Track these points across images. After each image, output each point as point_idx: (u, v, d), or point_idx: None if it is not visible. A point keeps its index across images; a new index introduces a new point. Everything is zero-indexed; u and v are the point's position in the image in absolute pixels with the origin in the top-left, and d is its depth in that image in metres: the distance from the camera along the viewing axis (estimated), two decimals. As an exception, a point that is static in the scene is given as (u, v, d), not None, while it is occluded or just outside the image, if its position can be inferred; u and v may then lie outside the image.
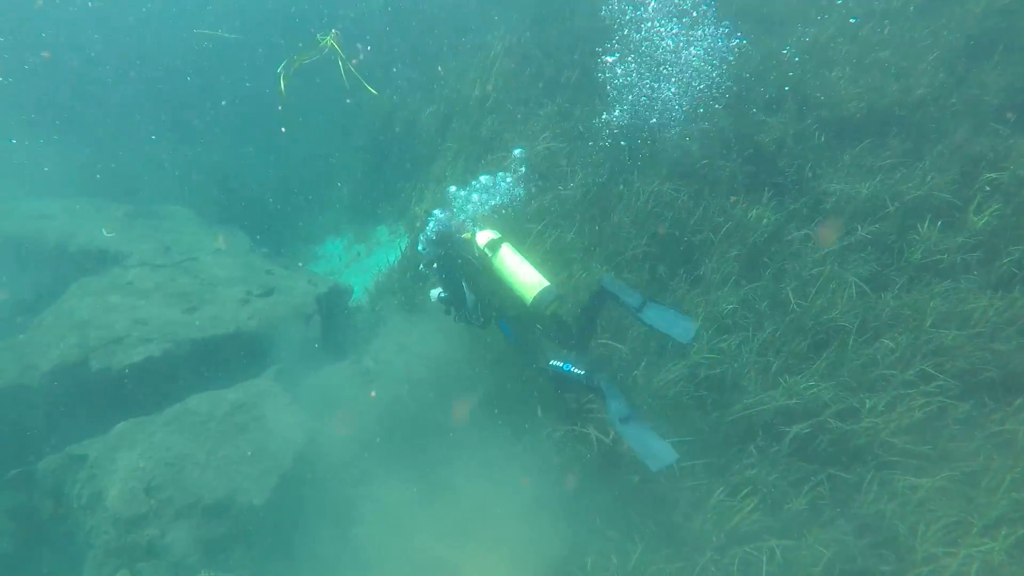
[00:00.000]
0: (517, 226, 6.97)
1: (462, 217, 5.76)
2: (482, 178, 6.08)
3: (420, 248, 5.61)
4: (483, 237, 5.25)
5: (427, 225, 5.45)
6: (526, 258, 5.16)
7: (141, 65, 12.22)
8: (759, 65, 8.01)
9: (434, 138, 9.38)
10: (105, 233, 8.60)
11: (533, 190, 7.33)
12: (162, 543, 5.24)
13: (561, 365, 4.89)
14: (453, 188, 6.11)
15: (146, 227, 9.27)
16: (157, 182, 10.90)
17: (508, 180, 6.18)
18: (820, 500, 4.95)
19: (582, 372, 4.80)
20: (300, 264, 9.70)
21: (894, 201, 6.49)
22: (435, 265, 5.44)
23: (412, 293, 7.42)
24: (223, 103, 12.09)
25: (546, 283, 4.95)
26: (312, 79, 9.93)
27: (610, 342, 6.12)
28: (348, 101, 6.17)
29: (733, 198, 6.88)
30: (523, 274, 4.98)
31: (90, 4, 11.84)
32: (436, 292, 5.71)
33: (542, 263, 5.45)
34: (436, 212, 5.47)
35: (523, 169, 6.36)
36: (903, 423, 5.17)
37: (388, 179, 9.92)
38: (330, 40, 5.71)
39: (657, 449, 4.41)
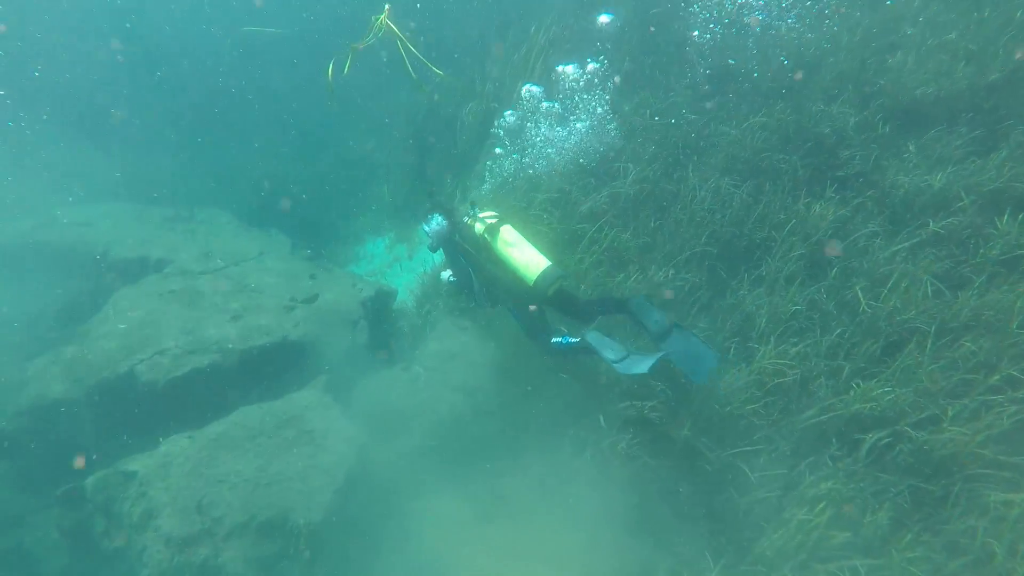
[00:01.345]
0: (569, 227, 6.74)
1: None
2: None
3: (424, 227, 5.73)
4: (483, 219, 5.32)
5: (430, 214, 5.62)
6: (528, 239, 5.19)
7: (176, 65, 12.15)
8: (815, 51, 7.64)
9: (477, 135, 9.14)
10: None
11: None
12: (216, 563, 5.11)
13: (561, 340, 5.06)
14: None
15: (185, 232, 9.20)
16: (195, 184, 10.83)
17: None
18: (903, 515, 4.66)
19: (576, 340, 4.99)
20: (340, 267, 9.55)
21: (969, 193, 6.12)
22: (440, 248, 5.63)
23: (460, 297, 7.21)
24: (251, 98, 11.98)
25: (547, 263, 5.00)
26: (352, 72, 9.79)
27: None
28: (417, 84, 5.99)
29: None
30: (524, 255, 5.05)
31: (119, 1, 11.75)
32: (446, 275, 5.82)
33: (546, 245, 5.52)
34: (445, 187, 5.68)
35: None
36: (991, 432, 4.84)
37: (430, 175, 9.70)
38: (383, 18, 5.41)
39: (701, 355, 4.81)
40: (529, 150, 7.58)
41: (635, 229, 6.64)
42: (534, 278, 4.95)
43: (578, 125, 7.31)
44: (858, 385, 5.18)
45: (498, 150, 7.94)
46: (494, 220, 5.27)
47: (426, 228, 5.67)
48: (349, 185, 10.89)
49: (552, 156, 7.40)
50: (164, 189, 10.84)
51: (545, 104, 7.52)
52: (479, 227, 5.28)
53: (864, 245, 6.16)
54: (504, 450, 5.94)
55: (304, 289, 7.50)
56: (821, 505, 4.72)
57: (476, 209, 5.45)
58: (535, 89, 7.61)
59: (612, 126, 7.30)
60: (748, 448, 5.22)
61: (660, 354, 4.79)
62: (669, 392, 5.67)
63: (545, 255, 5.12)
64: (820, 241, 6.25)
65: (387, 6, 5.47)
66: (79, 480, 6.11)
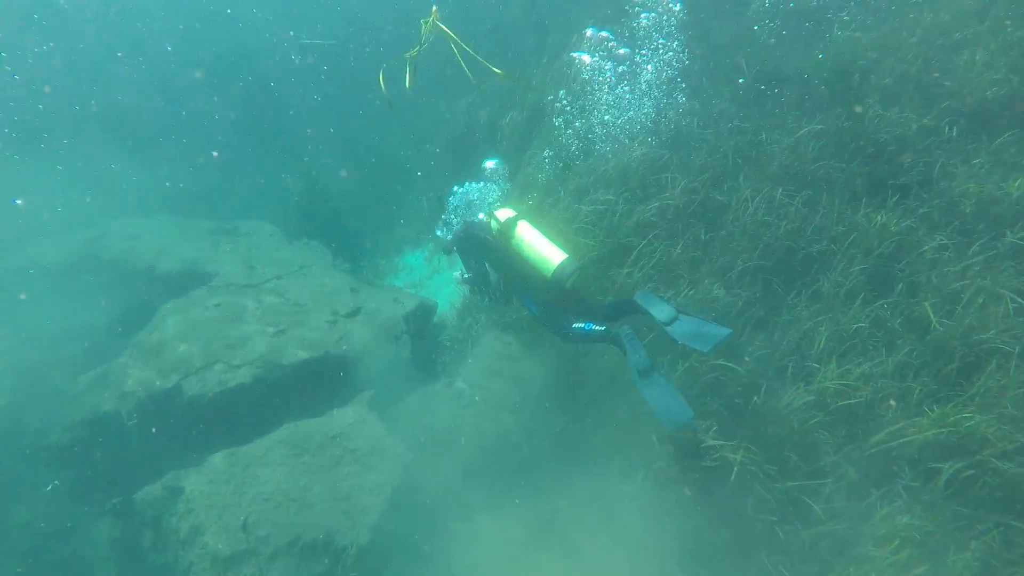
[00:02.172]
0: (616, 240, 6.55)
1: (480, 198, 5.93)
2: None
3: (438, 232, 5.79)
4: (500, 216, 5.32)
5: (447, 206, 5.73)
6: (544, 233, 5.20)
7: (218, 79, 12.34)
8: (870, 52, 7.30)
9: (516, 146, 9.01)
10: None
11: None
12: (262, 583, 5.07)
13: (583, 326, 4.92)
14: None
15: (229, 244, 9.29)
16: (238, 197, 10.97)
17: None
18: (992, 555, 4.32)
19: (603, 327, 4.83)
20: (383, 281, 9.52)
21: (1049, 202, 5.73)
22: (455, 247, 5.63)
23: (506, 310, 7.07)
24: (292, 112, 12.09)
25: (564, 255, 5.00)
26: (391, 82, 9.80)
27: (724, 363, 5.64)
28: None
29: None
30: (542, 249, 5.06)
31: (181, 27, 11.98)
32: (459, 274, 5.78)
33: (564, 240, 5.46)
34: (456, 188, 5.77)
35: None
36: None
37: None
38: (432, 21, 5.29)
39: (674, 406, 4.33)
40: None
41: (685, 242, 6.40)
42: (552, 270, 4.96)
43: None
44: (932, 409, 4.85)
45: (548, 152, 7.82)
46: (512, 214, 5.29)
47: (438, 232, 5.79)
48: (388, 196, 10.87)
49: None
50: (209, 202, 11.00)
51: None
52: (495, 223, 5.32)
53: (932, 258, 5.81)
54: (552, 471, 5.78)
55: (346, 303, 7.47)
56: (896, 542, 4.42)
57: (491, 207, 5.50)
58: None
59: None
60: (813, 474, 4.94)
61: (689, 412, 4.40)
62: (724, 412, 5.43)
63: (562, 248, 5.12)
64: (883, 254, 5.93)
65: (434, 8, 5.35)
66: (129, 494, 6.17)
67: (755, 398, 5.42)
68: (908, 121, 6.64)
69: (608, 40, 7.65)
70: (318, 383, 6.61)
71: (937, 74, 6.85)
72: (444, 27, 5.33)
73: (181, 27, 12.14)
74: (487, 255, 5.41)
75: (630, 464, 5.50)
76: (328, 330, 6.94)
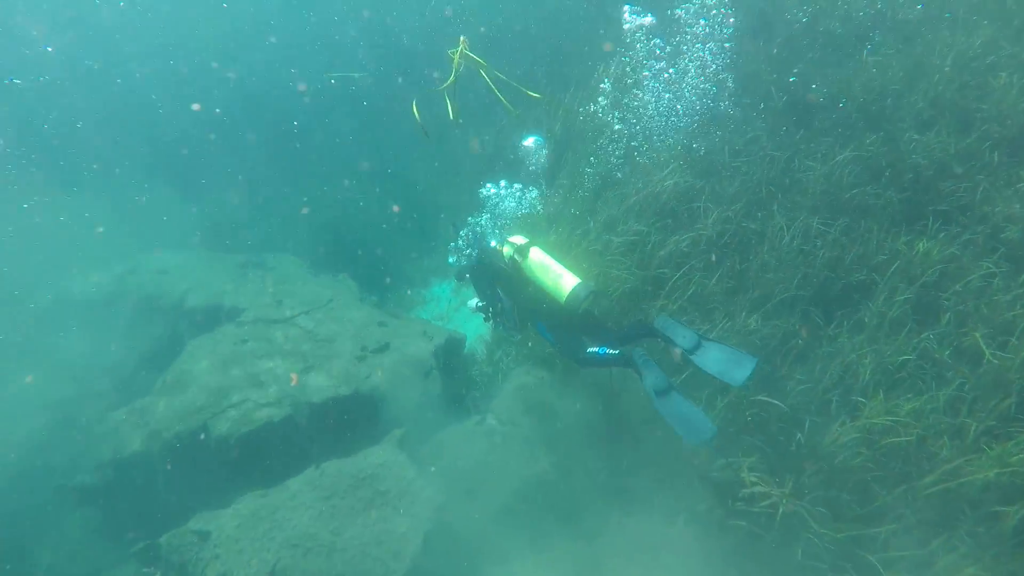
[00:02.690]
0: (648, 272, 6.42)
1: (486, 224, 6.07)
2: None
3: (451, 260, 5.82)
4: (513, 242, 5.32)
5: (458, 237, 5.78)
6: (557, 259, 5.20)
7: (245, 112, 12.45)
8: (903, 77, 7.17)
9: (546, 173, 8.93)
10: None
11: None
12: (292, 634, 4.91)
13: (597, 350, 4.87)
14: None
15: (257, 278, 9.28)
16: (265, 229, 10.99)
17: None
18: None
19: (617, 351, 4.77)
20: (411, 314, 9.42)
21: (1100, 227, 5.53)
22: (467, 275, 5.63)
23: (536, 344, 6.93)
24: (320, 143, 12.11)
25: (577, 280, 4.98)
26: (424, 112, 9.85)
27: (767, 399, 5.44)
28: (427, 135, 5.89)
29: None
30: (555, 274, 5.04)
31: (214, 65, 12.14)
32: (474, 302, 5.77)
33: (583, 267, 5.61)
34: (470, 220, 5.85)
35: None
36: None
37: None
38: (461, 51, 5.26)
39: (696, 422, 4.25)
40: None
41: (720, 273, 6.25)
42: (566, 295, 4.94)
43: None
44: (990, 447, 4.62)
45: (592, 159, 7.75)
46: (524, 241, 5.28)
47: (451, 260, 5.85)
48: (415, 227, 10.83)
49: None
50: (236, 235, 11.04)
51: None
52: (508, 250, 5.30)
53: (980, 286, 5.61)
54: (591, 511, 5.59)
55: (374, 337, 7.37)
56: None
57: (504, 234, 5.54)
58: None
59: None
60: (865, 517, 4.71)
61: (712, 428, 4.31)
62: (767, 449, 5.23)
63: (575, 273, 5.10)
64: (927, 283, 5.73)
65: (462, 38, 5.32)
66: (155, 536, 6.05)
67: (798, 435, 5.21)
68: (946, 145, 6.49)
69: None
70: (347, 421, 6.50)
71: (973, 98, 6.71)
72: (474, 56, 5.30)
73: (215, 65, 12.29)
74: (500, 282, 5.40)
75: (672, 505, 5.30)
76: (357, 366, 6.84)
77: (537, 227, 8.50)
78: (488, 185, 6.93)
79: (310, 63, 11.98)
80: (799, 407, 5.43)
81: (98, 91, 12.21)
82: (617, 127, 7.87)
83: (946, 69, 7.00)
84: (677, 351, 4.61)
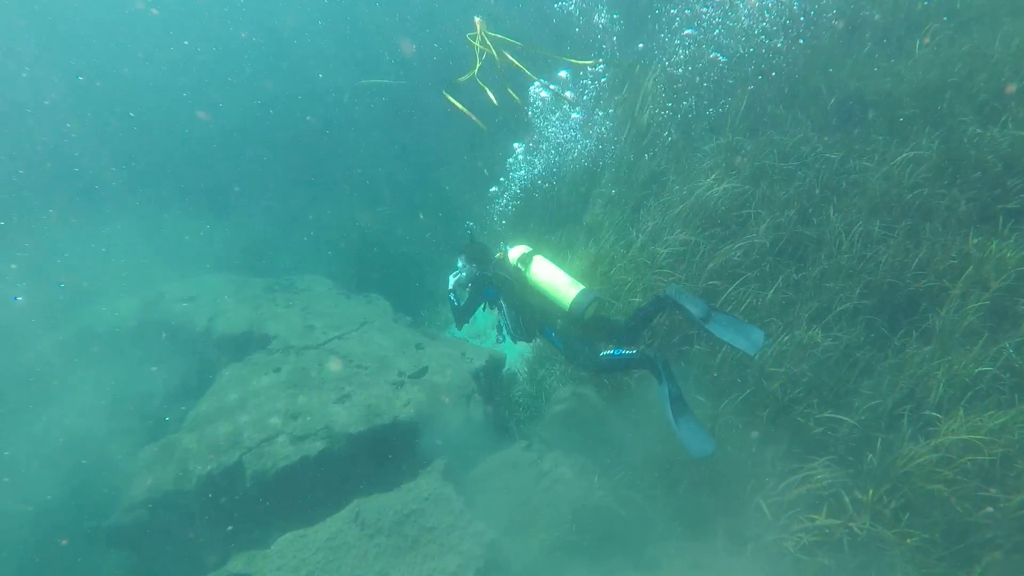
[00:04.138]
0: (698, 285, 6.08)
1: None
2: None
3: (451, 285, 5.77)
4: (515, 253, 5.30)
5: (457, 265, 5.75)
6: (560, 267, 5.19)
7: (269, 128, 12.30)
8: (961, 68, 6.77)
9: (581, 184, 8.62)
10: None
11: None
12: None
13: (612, 352, 4.78)
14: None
15: (286, 302, 9.07)
16: (293, 250, 10.81)
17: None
18: None
19: (633, 351, 4.66)
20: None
21: None
22: (471, 286, 5.61)
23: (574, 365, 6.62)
24: (347, 158, 11.91)
25: (581, 287, 4.98)
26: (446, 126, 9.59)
27: (834, 415, 5.08)
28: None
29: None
30: (558, 282, 5.04)
31: (230, 79, 12.01)
32: (453, 280, 5.75)
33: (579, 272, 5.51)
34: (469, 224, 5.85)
35: None
36: None
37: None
38: (480, 34, 4.95)
39: (700, 437, 4.24)
40: None
41: (776, 284, 5.90)
42: (569, 303, 4.94)
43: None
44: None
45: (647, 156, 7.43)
46: (527, 250, 5.28)
47: (452, 277, 5.77)
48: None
49: None
50: (263, 257, 10.87)
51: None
52: (511, 259, 5.29)
53: (1063, 291, 5.20)
54: (650, 540, 5.24)
55: (411, 361, 7.09)
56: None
57: (507, 245, 5.46)
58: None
59: None
60: (953, 542, 4.33)
61: (712, 444, 4.27)
62: (838, 470, 4.85)
63: (578, 280, 5.09)
64: (1003, 288, 5.33)
65: (477, 19, 5.04)
66: (192, 581, 5.84)
67: (869, 456, 4.84)
68: (1013, 139, 6.07)
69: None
70: (387, 452, 6.22)
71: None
72: (487, 41, 5.01)
73: (231, 79, 12.18)
74: (504, 293, 5.36)
75: (737, 533, 4.94)
76: (394, 393, 6.57)
77: (575, 238, 8.22)
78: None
79: (339, 74, 11.77)
80: (868, 424, 5.07)
81: (120, 112, 12.15)
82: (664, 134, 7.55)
83: (1009, 52, 6.59)
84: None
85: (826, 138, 6.80)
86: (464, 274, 5.70)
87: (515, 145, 8.47)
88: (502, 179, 9.06)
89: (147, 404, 8.37)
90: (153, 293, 9.61)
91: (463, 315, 5.72)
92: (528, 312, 5.27)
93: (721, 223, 6.58)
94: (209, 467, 6.20)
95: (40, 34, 11.99)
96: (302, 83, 12.03)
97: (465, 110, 5.17)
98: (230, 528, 6.14)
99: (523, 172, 8.55)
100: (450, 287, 5.76)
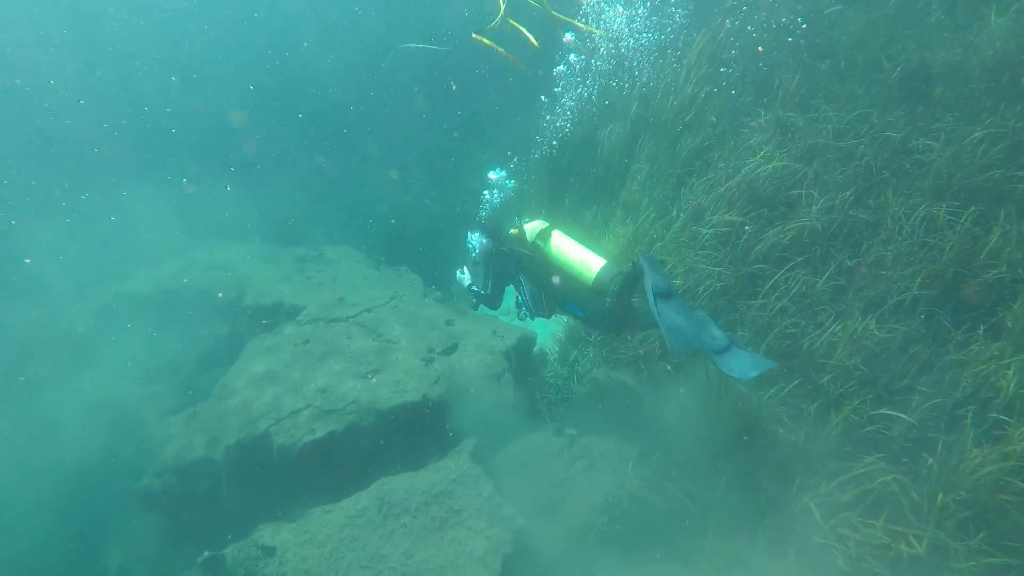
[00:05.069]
0: (743, 269, 5.78)
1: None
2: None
3: (466, 280, 5.66)
4: (531, 227, 5.18)
5: (470, 242, 5.56)
6: (579, 241, 5.07)
7: (304, 100, 12.10)
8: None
9: (619, 159, 8.28)
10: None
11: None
12: (362, 665, 4.56)
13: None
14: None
15: (316, 273, 8.98)
16: (324, 221, 10.68)
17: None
18: None
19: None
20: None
21: None
22: (485, 263, 5.47)
23: (615, 345, 6.38)
24: (379, 129, 11.68)
25: (604, 261, 4.88)
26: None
27: (891, 412, 4.78)
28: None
29: None
30: (580, 257, 4.94)
31: (272, 55, 11.80)
32: (466, 278, 5.66)
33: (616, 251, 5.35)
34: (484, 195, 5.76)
35: None
36: None
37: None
38: None
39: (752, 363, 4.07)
40: None
41: (825, 269, 5.56)
42: (593, 277, 4.82)
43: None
44: None
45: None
46: (545, 225, 5.16)
47: (462, 272, 5.67)
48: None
49: None
50: (294, 227, 10.77)
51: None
52: (529, 234, 5.15)
53: None
54: (684, 535, 5.03)
55: (442, 338, 6.94)
56: None
57: (521, 220, 5.30)
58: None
59: None
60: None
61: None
62: (893, 471, 4.57)
63: (600, 254, 4.97)
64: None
65: None
66: (219, 546, 5.82)
67: (929, 460, 4.53)
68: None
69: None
70: (415, 430, 6.10)
71: None
72: None
73: (269, 50, 11.97)
74: (523, 269, 5.22)
75: (779, 534, 4.70)
76: (424, 370, 6.42)
77: (611, 215, 7.92)
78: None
79: (374, 43, 11.46)
80: (927, 423, 4.75)
81: (152, 81, 12.07)
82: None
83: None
84: None
85: (886, 115, 6.36)
86: (477, 251, 5.54)
87: (542, 98, 8.09)
88: (536, 150, 8.76)
89: (177, 370, 8.40)
90: (186, 260, 9.60)
91: (493, 299, 5.55)
92: (550, 288, 5.13)
93: (769, 204, 6.23)
94: (237, 437, 6.16)
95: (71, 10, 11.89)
96: (339, 52, 11.75)
97: (499, 48, 4.92)
98: (257, 499, 6.12)
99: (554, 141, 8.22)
100: (466, 283, 5.63)
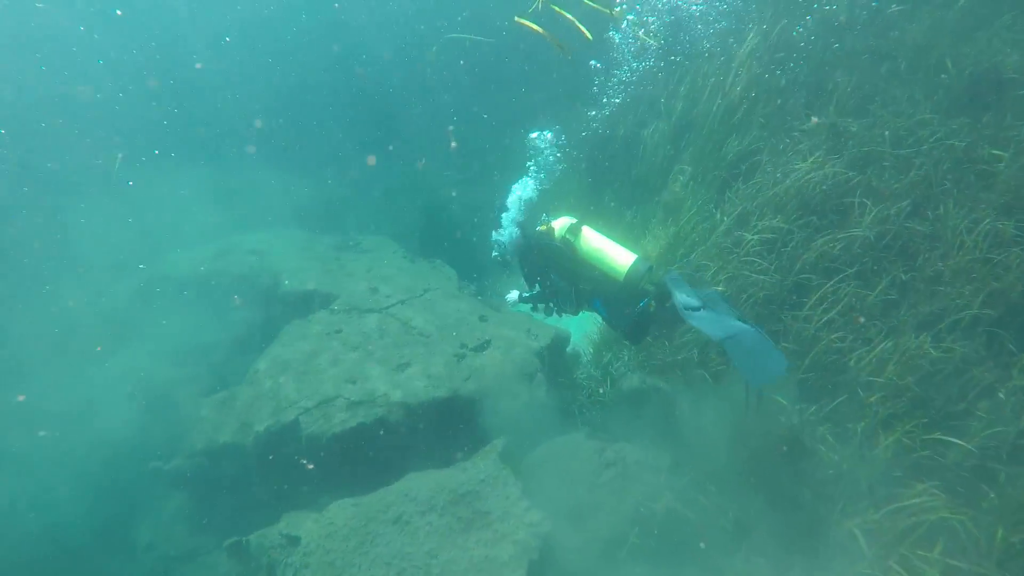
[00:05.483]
0: (785, 279, 5.56)
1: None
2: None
3: (495, 253, 5.58)
4: (560, 223, 5.11)
5: (500, 223, 5.49)
6: (608, 237, 5.04)
7: (343, 87, 12.09)
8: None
9: (661, 159, 8.07)
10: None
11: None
12: (380, 663, 4.49)
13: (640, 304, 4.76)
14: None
15: (352, 262, 8.96)
16: (361, 210, 10.67)
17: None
18: None
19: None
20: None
21: None
22: (515, 261, 5.42)
23: (651, 350, 6.22)
24: (417, 120, 11.61)
25: (635, 256, 4.86)
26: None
27: (946, 437, 4.52)
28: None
29: None
30: (611, 252, 4.92)
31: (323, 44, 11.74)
32: (515, 294, 5.54)
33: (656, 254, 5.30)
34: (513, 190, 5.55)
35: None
36: None
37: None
38: None
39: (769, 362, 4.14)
40: None
41: (876, 282, 5.32)
42: (624, 272, 4.82)
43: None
44: None
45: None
46: (574, 220, 5.09)
47: (513, 296, 5.56)
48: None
49: None
50: (332, 214, 10.79)
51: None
52: (559, 230, 5.08)
53: None
54: (717, 552, 4.87)
55: (474, 333, 6.84)
56: None
57: (549, 216, 5.26)
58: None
59: None
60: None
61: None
62: (947, 500, 4.33)
63: (631, 250, 4.95)
64: None
65: None
66: (245, 532, 5.83)
67: (991, 493, 4.28)
68: None
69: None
70: (444, 426, 6.02)
71: None
72: None
73: (316, 37, 11.96)
74: (554, 265, 5.16)
75: (819, 560, 4.50)
76: (456, 366, 6.34)
77: (651, 217, 7.73)
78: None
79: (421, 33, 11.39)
80: (986, 452, 4.49)
81: (199, 69, 12.17)
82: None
83: None
84: None
85: (950, 121, 6.04)
86: (508, 248, 5.49)
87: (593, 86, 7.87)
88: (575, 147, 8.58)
89: (211, 353, 8.46)
90: (223, 245, 9.67)
91: (548, 295, 5.36)
92: (579, 283, 5.10)
93: (818, 211, 5.97)
94: (266, 424, 6.17)
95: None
96: (391, 41, 11.68)
97: (544, 32, 4.80)
98: (283, 487, 6.12)
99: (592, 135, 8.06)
100: (518, 298, 5.52)
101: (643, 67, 8.59)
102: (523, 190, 5.67)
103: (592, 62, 8.28)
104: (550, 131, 6.38)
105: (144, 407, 7.81)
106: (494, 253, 5.61)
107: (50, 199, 10.52)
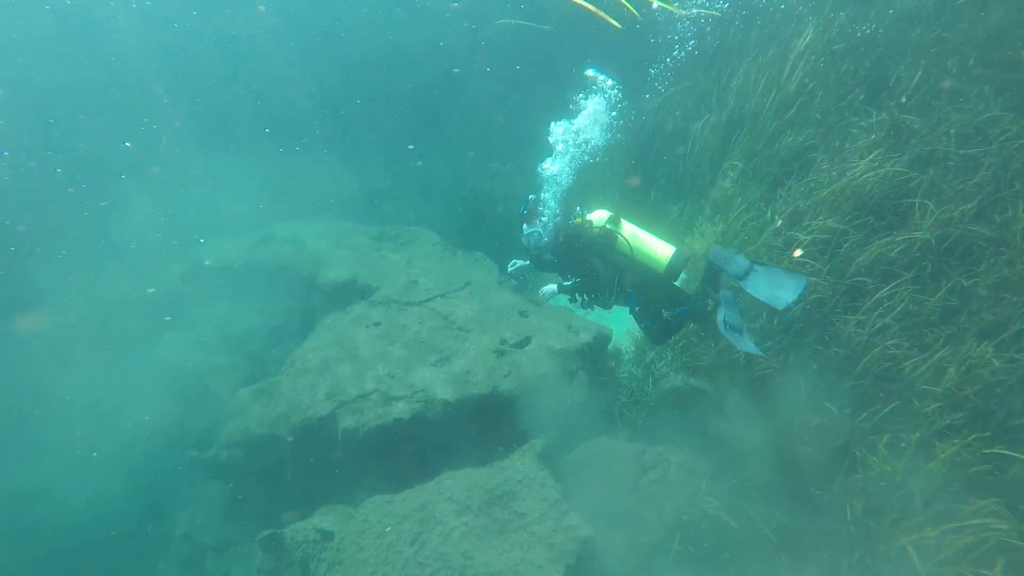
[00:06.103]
0: (838, 282, 5.34)
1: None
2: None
3: (528, 245, 5.43)
4: (597, 216, 5.08)
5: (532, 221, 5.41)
6: (647, 231, 5.03)
7: (385, 77, 12.01)
8: None
9: (712, 155, 7.85)
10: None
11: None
12: (412, 663, 4.45)
13: (673, 311, 4.89)
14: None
15: (392, 253, 8.93)
16: (402, 201, 10.64)
17: None
18: None
19: (685, 306, 4.85)
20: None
21: None
22: (553, 256, 5.30)
23: (696, 351, 6.06)
24: (458, 112, 11.48)
25: (674, 248, 4.86)
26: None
27: (1008, 451, 4.30)
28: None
29: None
30: (651, 244, 4.92)
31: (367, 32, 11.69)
32: (551, 288, 5.45)
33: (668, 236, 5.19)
34: (531, 197, 5.53)
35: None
36: None
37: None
38: None
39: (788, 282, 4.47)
40: None
41: (935, 287, 5.07)
42: (665, 263, 4.81)
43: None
44: None
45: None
46: (612, 213, 5.06)
47: (550, 290, 5.46)
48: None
49: None
50: (373, 205, 10.78)
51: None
52: (596, 223, 5.03)
53: None
54: (759, 562, 4.72)
55: (515, 329, 6.73)
56: None
57: (583, 209, 5.22)
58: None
59: None
60: None
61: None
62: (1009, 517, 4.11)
63: (669, 242, 4.94)
64: None
65: None
66: (280, 525, 5.84)
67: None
68: None
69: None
70: (482, 424, 5.94)
71: None
72: None
73: (368, 26, 11.92)
74: (597, 256, 5.08)
75: (876, 556, 4.32)
76: (496, 362, 6.25)
77: (698, 213, 7.54)
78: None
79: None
80: (1051, 469, 4.25)
81: (240, 57, 12.23)
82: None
83: None
84: None
85: (1022, 119, 5.72)
86: (545, 239, 5.34)
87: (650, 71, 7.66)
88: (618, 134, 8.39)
89: (249, 342, 8.53)
90: (265, 233, 9.72)
91: (588, 288, 5.26)
92: (620, 274, 5.05)
93: (876, 212, 5.72)
94: (303, 417, 6.16)
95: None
96: (436, 29, 11.56)
97: (594, 8, 4.72)
98: (319, 481, 6.11)
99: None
100: (554, 291, 5.43)
101: (688, 52, 8.35)
102: (559, 173, 5.60)
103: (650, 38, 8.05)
104: (611, 78, 6.20)
105: (184, 395, 7.91)
106: (524, 243, 5.48)
107: (91, 187, 10.69)
